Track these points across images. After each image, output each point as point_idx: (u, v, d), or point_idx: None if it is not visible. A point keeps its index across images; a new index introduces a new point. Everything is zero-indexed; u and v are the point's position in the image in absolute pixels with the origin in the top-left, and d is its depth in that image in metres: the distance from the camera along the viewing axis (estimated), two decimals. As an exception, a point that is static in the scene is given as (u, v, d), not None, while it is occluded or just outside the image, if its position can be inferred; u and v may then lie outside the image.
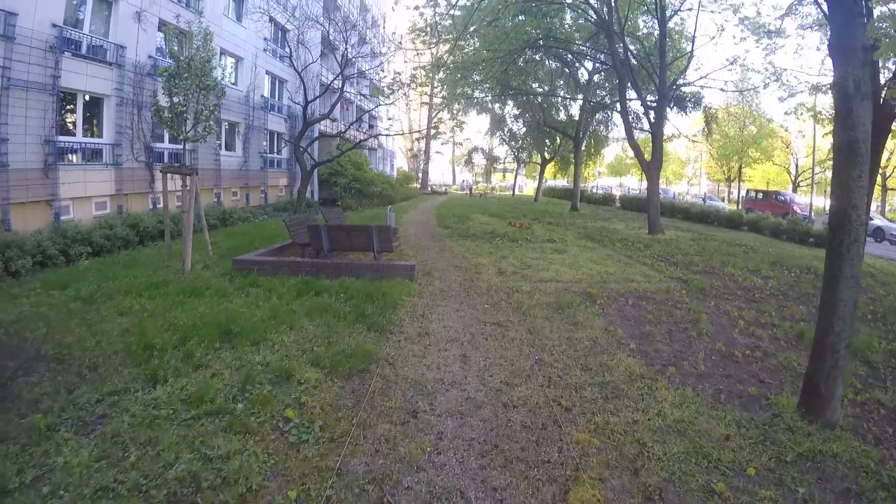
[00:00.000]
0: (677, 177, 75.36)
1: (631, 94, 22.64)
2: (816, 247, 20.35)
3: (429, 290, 9.23)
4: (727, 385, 5.74)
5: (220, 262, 10.79)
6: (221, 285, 8.78)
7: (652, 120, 20.91)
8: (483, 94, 32.02)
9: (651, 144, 21.33)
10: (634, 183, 75.21)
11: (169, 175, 10.67)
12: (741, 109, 33.00)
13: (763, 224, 24.01)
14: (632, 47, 22.20)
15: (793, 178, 51.74)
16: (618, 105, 31.42)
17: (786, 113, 26.66)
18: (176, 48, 11.04)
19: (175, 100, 10.42)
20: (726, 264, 13.55)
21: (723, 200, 47.11)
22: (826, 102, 23.71)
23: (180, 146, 20.21)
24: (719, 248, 16.65)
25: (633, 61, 21.91)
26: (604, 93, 33.95)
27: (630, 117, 23.43)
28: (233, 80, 24.20)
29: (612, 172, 79.91)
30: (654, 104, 21.32)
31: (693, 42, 22.29)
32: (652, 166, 20.34)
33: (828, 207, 39.06)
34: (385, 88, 22.99)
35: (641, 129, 29.70)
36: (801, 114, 25.51)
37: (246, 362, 5.52)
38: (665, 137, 23.95)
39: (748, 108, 32.03)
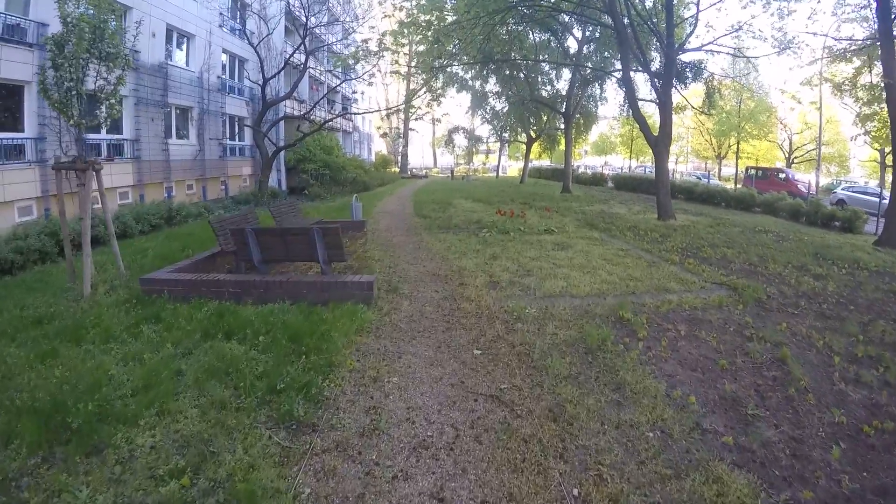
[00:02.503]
0: (665, 155, 73.13)
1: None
2: (844, 231, 18.04)
3: (391, 323, 6.36)
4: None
5: (135, 278, 7.97)
6: (112, 321, 6.14)
7: (659, 88, 18.15)
8: (462, 67, 29.30)
9: (659, 117, 18.58)
10: (619, 162, 73.06)
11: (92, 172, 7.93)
12: (739, 83, 30.52)
13: (780, 206, 21.52)
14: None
15: (787, 155, 49.79)
16: (613, 75, 28.99)
17: (801, 84, 24.15)
18: (70, 8, 8.15)
19: (60, 74, 7.55)
20: (765, 259, 11.12)
21: (712, 178, 44.87)
22: (846, 71, 21.35)
23: (122, 135, 17.78)
24: (746, 237, 14.19)
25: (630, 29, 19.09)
26: (593, 66, 31.23)
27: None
28: (183, 61, 21.30)
29: (596, 151, 77.93)
30: (660, 71, 18.63)
31: (698, 4, 19.53)
32: (660, 141, 17.61)
33: (825, 184, 37.11)
34: (349, 58, 20.04)
35: (641, 101, 27.03)
36: (817, 84, 23.24)
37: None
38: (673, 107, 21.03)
39: (747, 81, 29.63)
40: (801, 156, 49.23)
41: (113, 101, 8.32)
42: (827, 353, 5.91)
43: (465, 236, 12.93)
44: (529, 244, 11.84)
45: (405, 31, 18.92)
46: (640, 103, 19.39)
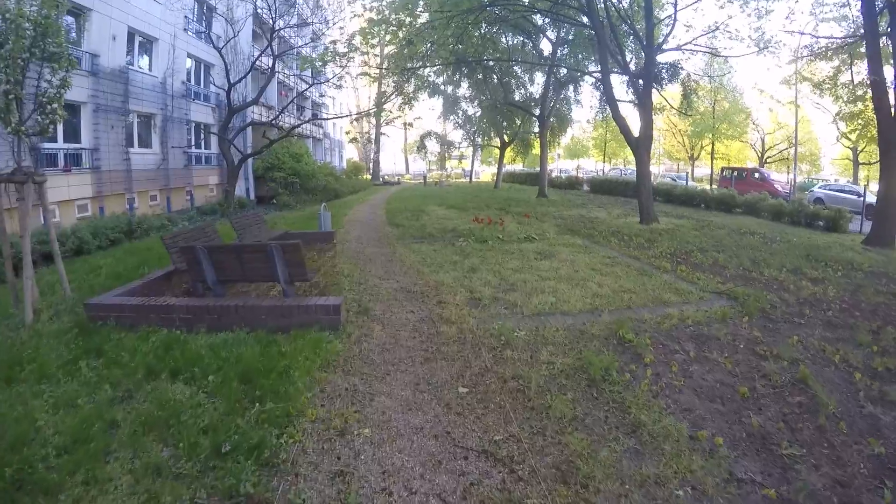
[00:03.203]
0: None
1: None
2: (828, 231, 17.76)
3: (360, 354, 5.50)
4: None
5: (83, 301, 6.94)
6: (51, 355, 5.24)
7: (639, 89, 17.65)
8: (434, 71, 28.62)
9: (635, 119, 18.11)
10: (592, 165, 73.15)
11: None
12: (715, 84, 30.35)
13: (761, 206, 21.22)
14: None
15: (759, 155, 50.17)
16: (588, 78, 28.57)
17: (780, 83, 24.05)
18: (10, 3, 7.23)
19: (-2, 76, 6.65)
20: (758, 263, 10.64)
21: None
22: (825, 70, 21.18)
23: (80, 144, 16.66)
24: (734, 240, 13.80)
25: (608, 29, 18.54)
26: (568, 68, 30.79)
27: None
28: (146, 65, 20.24)
29: (568, 155, 77.99)
30: (639, 72, 18.14)
31: (675, 4, 19.05)
32: (641, 143, 17.12)
33: (798, 183, 37.22)
34: (317, 60, 19.19)
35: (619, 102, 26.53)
36: (795, 83, 23.08)
37: None
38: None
39: (723, 81, 29.45)
40: (774, 155, 49.61)
41: (56, 105, 7.43)
42: (846, 369, 5.39)
43: (441, 246, 12.18)
44: (510, 254, 11.14)
45: (375, 29, 18.03)
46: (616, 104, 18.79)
